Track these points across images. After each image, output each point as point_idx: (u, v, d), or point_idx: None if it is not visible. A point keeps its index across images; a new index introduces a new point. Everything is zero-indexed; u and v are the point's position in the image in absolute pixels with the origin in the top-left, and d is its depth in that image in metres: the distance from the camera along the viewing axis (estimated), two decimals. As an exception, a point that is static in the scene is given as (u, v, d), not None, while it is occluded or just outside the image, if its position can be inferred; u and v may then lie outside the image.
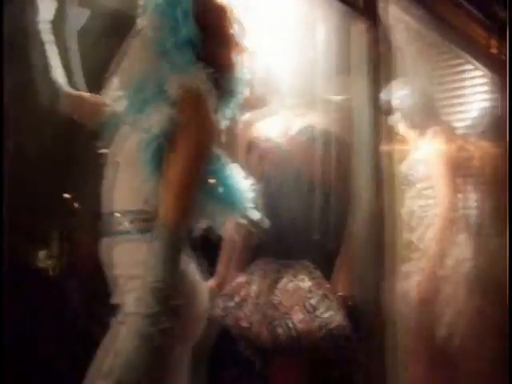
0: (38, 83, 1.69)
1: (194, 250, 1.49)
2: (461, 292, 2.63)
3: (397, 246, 2.46)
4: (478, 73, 3.12)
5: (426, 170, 2.66)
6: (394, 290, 2.22)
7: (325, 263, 2.04)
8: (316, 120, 2.04)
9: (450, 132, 2.79)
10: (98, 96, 1.64)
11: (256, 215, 1.54)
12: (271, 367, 2.04)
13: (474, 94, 3.13)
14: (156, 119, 1.35)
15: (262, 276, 2.05)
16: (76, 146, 2.06)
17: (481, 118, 3.05)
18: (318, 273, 2.02)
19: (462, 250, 2.67)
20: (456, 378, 2.64)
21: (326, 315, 1.92)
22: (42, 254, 2.50)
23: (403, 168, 2.69)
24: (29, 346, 2.07)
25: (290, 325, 1.93)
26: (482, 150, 2.97)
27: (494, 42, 3.12)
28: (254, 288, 2.04)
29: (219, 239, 1.74)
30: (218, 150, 1.46)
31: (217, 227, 1.50)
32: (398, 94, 2.56)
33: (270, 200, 1.88)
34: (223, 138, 1.53)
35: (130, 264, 1.42)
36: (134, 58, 1.48)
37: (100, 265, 1.52)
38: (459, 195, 2.73)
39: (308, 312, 1.93)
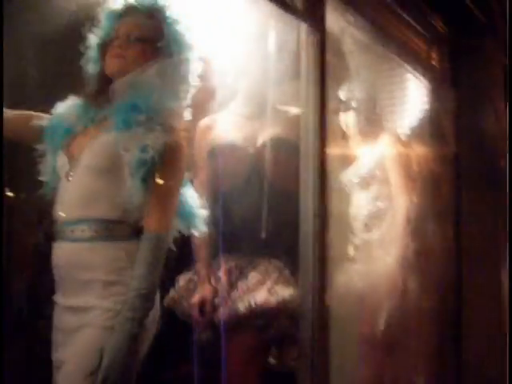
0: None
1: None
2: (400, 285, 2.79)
3: (344, 245, 2.61)
4: (418, 82, 3.25)
5: (380, 172, 2.78)
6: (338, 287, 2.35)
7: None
8: (271, 128, 2.16)
9: (395, 136, 2.93)
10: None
11: (203, 229, 1.76)
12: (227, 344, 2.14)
13: (414, 101, 3.26)
14: (152, 142, 1.54)
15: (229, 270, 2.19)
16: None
17: (421, 124, 3.21)
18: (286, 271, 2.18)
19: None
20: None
21: (286, 295, 2.10)
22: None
23: (356, 170, 2.81)
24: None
25: (252, 301, 2.09)
26: (421, 153, 3.15)
27: (433, 54, 3.28)
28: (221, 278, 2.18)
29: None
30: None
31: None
32: (347, 97, 2.69)
33: (229, 201, 2.12)
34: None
35: (109, 270, 1.55)
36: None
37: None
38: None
39: (270, 293, 2.09)
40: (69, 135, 1.69)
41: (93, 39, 1.74)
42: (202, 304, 2.18)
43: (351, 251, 2.75)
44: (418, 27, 3.09)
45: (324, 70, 2.14)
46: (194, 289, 2.22)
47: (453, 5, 3.17)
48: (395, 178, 2.80)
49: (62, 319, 1.62)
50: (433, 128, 3.30)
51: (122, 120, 1.57)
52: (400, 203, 2.78)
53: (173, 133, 1.60)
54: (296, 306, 2.11)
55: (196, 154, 2.24)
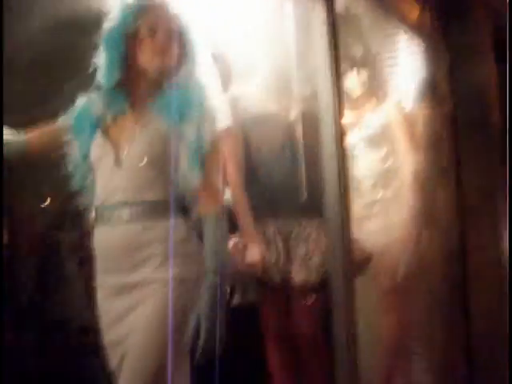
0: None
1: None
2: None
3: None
4: (414, 43, 3.40)
5: (387, 132, 2.93)
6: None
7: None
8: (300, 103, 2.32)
9: (398, 96, 3.08)
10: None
11: None
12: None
13: (411, 62, 3.42)
14: (205, 133, 1.72)
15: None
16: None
17: (419, 84, 3.37)
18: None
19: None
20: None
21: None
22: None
23: (363, 131, 2.94)
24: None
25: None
26: (423, 114, 3.30)
27: (425, 17, 3.41)
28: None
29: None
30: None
31: None
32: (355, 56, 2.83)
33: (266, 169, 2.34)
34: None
35: (164, 245, 1.70)
36: None
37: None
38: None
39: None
40: (100, 124, 1.80)
41: (111, 35, 1.78)
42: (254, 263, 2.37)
43: (364, 210, 2.92)
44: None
45: (336, 38, 2.27)
46: (244, 249, 2.40)
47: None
48: (401, 138, 2.95)
49: (109, 302, 1.74)
50: (430, 87, 3.46)
51: (179, 113, 1.71)
52: (407, 162, 2.94)
53: (216, 123, 1.78)
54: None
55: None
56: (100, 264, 1.78)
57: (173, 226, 1.70)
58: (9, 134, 1.79)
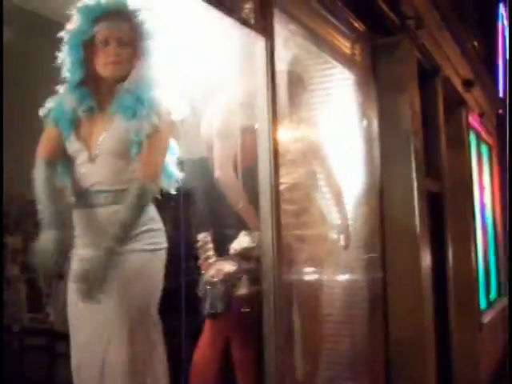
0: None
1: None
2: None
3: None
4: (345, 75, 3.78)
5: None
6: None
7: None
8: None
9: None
10: None
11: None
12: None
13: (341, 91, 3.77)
14: (144, 127, 2.00)
15: None
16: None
17: (346, 111, 3.74)
18: None
19: None
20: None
21: None
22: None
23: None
24: None
25: None
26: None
27: (356, 51, 3.80)
28: None
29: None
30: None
31: None
32: None
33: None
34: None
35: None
36: None
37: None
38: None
39: None
40: (73, 120, 2.06)
41: (71, 38, 2.00)
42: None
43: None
44: (343, 29, 3.59)
45: (274, 70, 2.63)
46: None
47: (370, 10, 3.70)
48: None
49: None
50: (357, 114, 3.84)
51: (132, 112, 2.01)
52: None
53: (160, 118, 2.03)
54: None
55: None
56: (79, 239, 2.06)
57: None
58: None
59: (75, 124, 2.07)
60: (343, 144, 3.68)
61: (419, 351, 3.89)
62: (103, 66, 2.03)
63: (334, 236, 3.33)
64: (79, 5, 2.02)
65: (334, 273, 3.44)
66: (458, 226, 5.41)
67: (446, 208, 5.10)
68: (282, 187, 2.70)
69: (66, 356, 2.12)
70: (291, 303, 2.89)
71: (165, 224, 2.17)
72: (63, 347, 2.15)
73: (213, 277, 2.74)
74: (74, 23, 2.02)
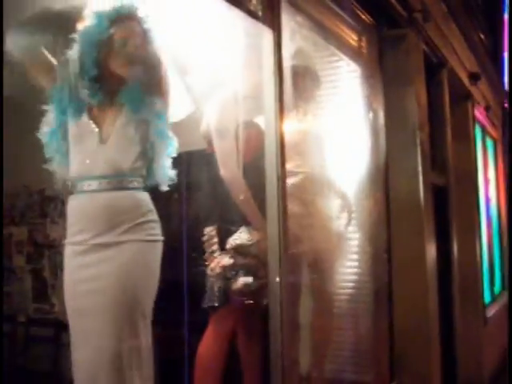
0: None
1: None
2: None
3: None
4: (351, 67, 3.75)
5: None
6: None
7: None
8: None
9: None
10: None
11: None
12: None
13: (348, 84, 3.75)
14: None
15: None
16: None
17: (354, 104, 3.73)
18: None
19: None
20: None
21: None
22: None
23: None
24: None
25: None
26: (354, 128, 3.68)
27: (362, 43, 3.79)
28: None
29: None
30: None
31: None
32: None
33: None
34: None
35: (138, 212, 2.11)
36: None
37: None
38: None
39: None
40: (84, 107, 2.13)
41: (86, 38, 2.11)
42: None
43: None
44: (350, 21, 3.57)
45: (281, 62, 2.62)
46: None
47: (378, 2, 3.67)
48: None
49: (80, 257, 2.05)
50: (363, 106, 3.83)
51: (138, 107, 2.11)
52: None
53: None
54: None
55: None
56: (75, 226, 2.09)
57: (144, 198, 2.13)
58: None
59: (87, 108, 2.14)
60: (349, 136, 3.67)
61: (424, 345, 3.89)
62: (121, 66, 2.14)
63: (337, 214, 3.31)
64: (95, 8, 2.15)
65: (340, 265, 3.44)
66: (463, 219, 5.40)
67: (451, 201, 5.09)
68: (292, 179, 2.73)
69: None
70: (298, 297, 2.89)
71: (169, 217, 2.19)
72: (68, 338, 2.13)
73: (212, 270, 2.75)
74: (89, 24, 2.13)
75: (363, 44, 3.76)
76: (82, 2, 2.19)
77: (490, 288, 6.80)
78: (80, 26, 2.15)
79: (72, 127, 2.14)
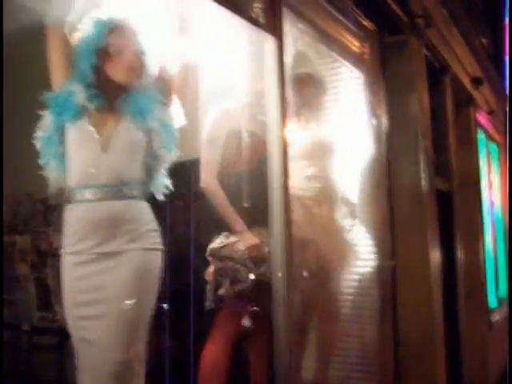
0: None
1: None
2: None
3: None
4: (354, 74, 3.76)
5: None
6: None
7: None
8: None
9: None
10: None
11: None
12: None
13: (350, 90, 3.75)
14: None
15: None
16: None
17: (356, 110, 3.73)
18: None
19: None
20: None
21: None
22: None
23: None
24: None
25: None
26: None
27: (365, 49, 3.79)
28: None
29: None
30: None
31: None
32: None
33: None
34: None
35: (141, 222, 2.12)
36: None
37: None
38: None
39: None
40: (83, 113, 2.10)
41: (83, 46, 2.12)
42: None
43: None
44: (353, 27, 3.57)
45: (283, 69, 2.63)
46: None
47: (380, 8, 3.69)
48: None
49: (81, 268, 2.04)
50: (366, 112, 3.83)
51: (139, 114, 2.12)
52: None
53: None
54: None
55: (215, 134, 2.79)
56: (74, 235, 2.06)
57: (145, 207, 2.14)
58: None
59: (87, 114, 2.12)
60: (352, 143, 3.67)
61: (429, 350, 3.88)
62: (119, 73, 2.15)
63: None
64: (93, 17, 2.16)
65: (345, 271, 3.43)
66: (466, 224, 5.39)
67: (454, 206, 5.09)
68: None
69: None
70: (303, 302, 2.88)
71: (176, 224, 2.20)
72: (71, 346, 2.12)
73: (207, 276, 2.80)
74: (86, 33, 2.14)
75: (365, 50, 3.75)
76: (80, 10, 2.19)
77: (495, 292, 6.78)
78: (78, 34, 2.16)
79: (71, 132, 2.10)
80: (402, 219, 3.91)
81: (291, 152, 2.99)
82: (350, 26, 3.52)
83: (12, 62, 2.20)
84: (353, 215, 3.35)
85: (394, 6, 3.70)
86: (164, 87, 2.23)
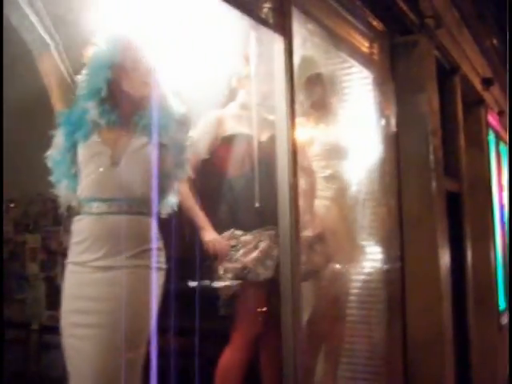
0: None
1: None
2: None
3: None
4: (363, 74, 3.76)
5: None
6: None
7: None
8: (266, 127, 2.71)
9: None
10: None
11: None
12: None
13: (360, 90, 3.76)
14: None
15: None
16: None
17: (365, 110, 3.73)
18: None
19: None
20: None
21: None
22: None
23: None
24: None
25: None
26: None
27: (374, 50, 3.79)
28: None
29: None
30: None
31: None
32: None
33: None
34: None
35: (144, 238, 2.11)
36: None
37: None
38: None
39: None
40: (95, 129, 2.10)
41: (98, 61, 2.12)
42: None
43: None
44: (362, 28, 3.58)
45: (292, 69, 2.63)
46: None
47: (389, 8, 3.68)
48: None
49: (85, 277, 2.04)
50: (375, 113, 3.83)
51: (155, 132, 2.10)
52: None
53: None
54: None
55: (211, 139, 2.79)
56: (80, 246, 2.06)
57: (153, 223, 2.10)
58: None
59: (98, 130, 2.11)
60: (361, 143, 3.66)
61: (438, 352, 3.86)
62: (135, 87, 2.15)
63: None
64: (106, 33, 2.16)
65: (354, 272, 3.43)
66: (476, 225, 5.36)
67: (464, 208, 5.06)
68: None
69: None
70: (311, 302, 2.88)
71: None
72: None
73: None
74: (100, 48, 2.14)
75: (375, 51, 3.75)
76: (92, 26, 2.20)
77: (505, 295, 6.73)
78: (91, 50, 2.16)
79: (82, 148, 2.11)
80: (411, 220, 3.89)
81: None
82: (359, 27, 3.53)
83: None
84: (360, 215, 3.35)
85: (404, 7, 3.69)
86: (178, 103, 2.21)
